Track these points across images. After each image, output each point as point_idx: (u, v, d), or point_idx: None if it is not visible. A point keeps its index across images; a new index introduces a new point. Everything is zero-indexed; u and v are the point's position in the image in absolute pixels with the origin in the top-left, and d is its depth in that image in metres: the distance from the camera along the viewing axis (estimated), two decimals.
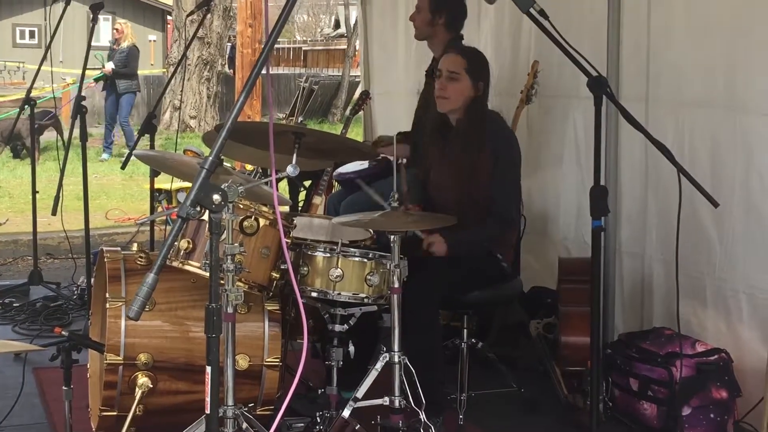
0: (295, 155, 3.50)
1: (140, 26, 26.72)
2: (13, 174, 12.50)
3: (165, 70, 20.73)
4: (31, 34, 34.43)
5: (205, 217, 2.37)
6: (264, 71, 2.57)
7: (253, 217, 3.61)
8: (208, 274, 3.44)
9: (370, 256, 3.79)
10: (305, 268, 3.76)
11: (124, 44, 13.67)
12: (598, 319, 3.69)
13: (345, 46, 24.18)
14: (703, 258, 4.21)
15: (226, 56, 18.05)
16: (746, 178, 4.10)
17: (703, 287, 4.25)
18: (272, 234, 3.66)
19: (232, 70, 17.55)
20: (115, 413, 3.66)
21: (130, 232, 8.21)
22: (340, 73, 22.16)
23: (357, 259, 3.78)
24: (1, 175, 12.51)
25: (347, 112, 6.61)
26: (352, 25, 24.64)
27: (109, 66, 13.67)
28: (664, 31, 4.59)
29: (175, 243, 3.56)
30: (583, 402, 4.10)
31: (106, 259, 3.83)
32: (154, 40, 29.67)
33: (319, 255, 3.77)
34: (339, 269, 3.74)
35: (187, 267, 3.59)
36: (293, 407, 3.86)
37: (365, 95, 6.95)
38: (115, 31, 14.20)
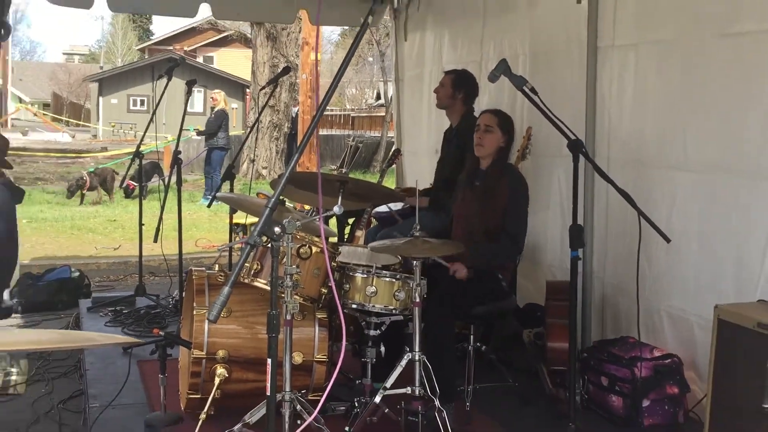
0: (340, 198, 3.54)
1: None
2: (125, 210, 12.66)
3: (244, 131, 20.93)
4: (142, 102, 34.97)
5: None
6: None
7: (307, 245, 3.67)
8: None
9: (398, 276, 3.79)
10: (347, 286, 3.77)
11: (216, 109, 13.81)
12: (575, 329, 3.66)
13: (384, 113, 24.21)
14: (639, 282, 4.14)
15: (291, 120, 18.18)
16: (670, 220, 4.06)
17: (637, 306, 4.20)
18: (322, 258, 3.71)
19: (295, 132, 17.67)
20: (199, 396, 3.68)
21: (214, 256, 8.27)
22: (380, 135, 22.22)
23: (388, 279, 3.78)
24: (116, 211, 12.67)
25: (383, 165, 6.62)
26: (390, 97, 24.73)
27: (193, 133, 13.93)
28: (617, 101, 4.59)
29: (246, 264, 3.62)
30: (564, 395, 4.05)
31: (194, 277, 3.87)
32: (236, 108, 29.98)
33: (358, 275, 3.78)
34: (374, 287, 3.75)
35: (256, 283, 3.64)
36: (336, 394, 3.83)
37: (397, 152, 6.98)
38: (211, 98, 14.32)
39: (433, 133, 6.62)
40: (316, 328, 3.81)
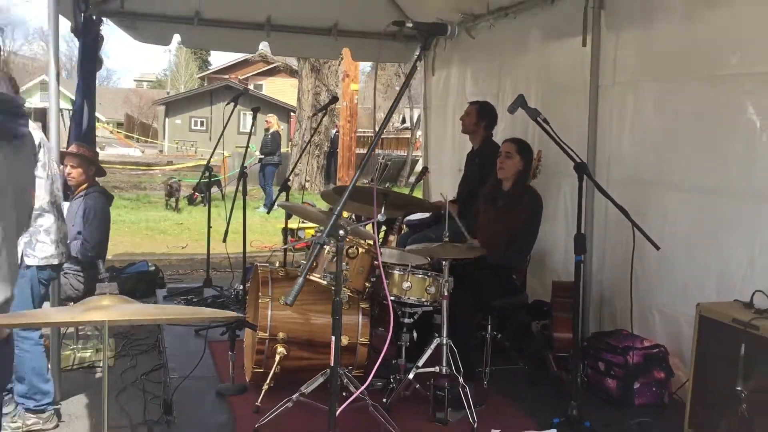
0: (383, 208, 3.67)
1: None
2: (190, 215, 12.85)
3: (287, 149, 21.02)
4: (201, 123, 35.32)
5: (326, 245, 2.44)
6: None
7: (354, 246, 3.74)
8: (325, 282, 3.65)
9: (429, 274, 3.85)
10: (387, 281, 3.79)
11: (271, 130, 14.07)
12: (578, 322, 3.77)
13: (409, 135, 24.28)
14: (632, 284, 4.10)
15: (330, 141, 18.35)
16: (662, 232, 4.08)
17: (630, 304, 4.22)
18: (366, 258, 3.78)
19: (334, 150, 17.86)
20: (262, 370, 3.79)
21: (266, 255, 8.42)
22: (405, 154, 22.27)
23: (421, 276, 3.83)
24: (184, 215, 12.92)
25: (411, 179, 6.71)
26: (414, 121, 24.81)
27: (258, 155, 14.19)
28: (617, 130, 4.66)
29: (303, 261, 3.74)
30: (567, 377, 4.06)
31: (259, 271, 3.95)
32: (282, 129, 30.14)
33: (396, 273, 3.85)
34: (409, 282, 3.82)
35: (311, 277, 3.70)
36: (375, 372, 3.91)
37: (425, 170, 7.03)
38: (266, 122, 14.55)
39: (456, 153, 6.69)
40: (360, 316, 3.87)
